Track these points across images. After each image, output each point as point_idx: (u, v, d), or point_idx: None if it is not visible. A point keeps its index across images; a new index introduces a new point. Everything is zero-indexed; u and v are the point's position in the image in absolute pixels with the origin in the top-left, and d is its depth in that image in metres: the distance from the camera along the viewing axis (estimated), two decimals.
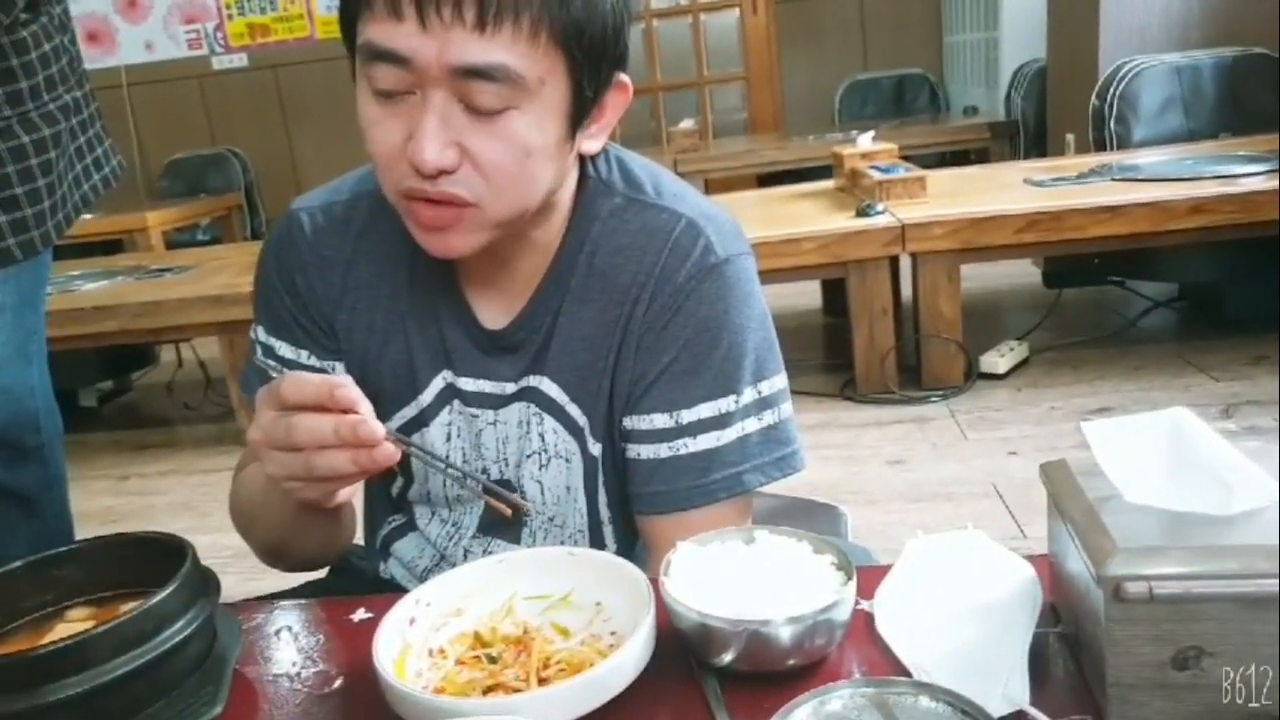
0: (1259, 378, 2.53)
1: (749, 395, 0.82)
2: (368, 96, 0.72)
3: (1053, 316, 3.09)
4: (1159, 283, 3.14)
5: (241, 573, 1.67)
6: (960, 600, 0.65)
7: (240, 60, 5.56)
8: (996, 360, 2.76)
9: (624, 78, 0.76)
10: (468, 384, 0.86)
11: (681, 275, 0.81)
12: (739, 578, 0.64)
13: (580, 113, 0.74)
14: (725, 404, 0.81)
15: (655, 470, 0.82)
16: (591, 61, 0.71)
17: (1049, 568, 0.65)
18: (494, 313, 0.84)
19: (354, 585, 0.99)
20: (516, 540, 0.90)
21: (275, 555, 0.91)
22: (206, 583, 0.65)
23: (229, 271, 3.03)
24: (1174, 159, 2.88)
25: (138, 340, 3.00)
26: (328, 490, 0.72)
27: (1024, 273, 3.49)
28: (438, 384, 0.86)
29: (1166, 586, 0.50)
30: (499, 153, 0.71)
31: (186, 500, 2.57)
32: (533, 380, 0.85)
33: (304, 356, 0.88)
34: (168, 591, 0.57)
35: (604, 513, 0.89)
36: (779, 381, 0.84)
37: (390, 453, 0.67)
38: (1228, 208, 2.45)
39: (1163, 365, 2.72)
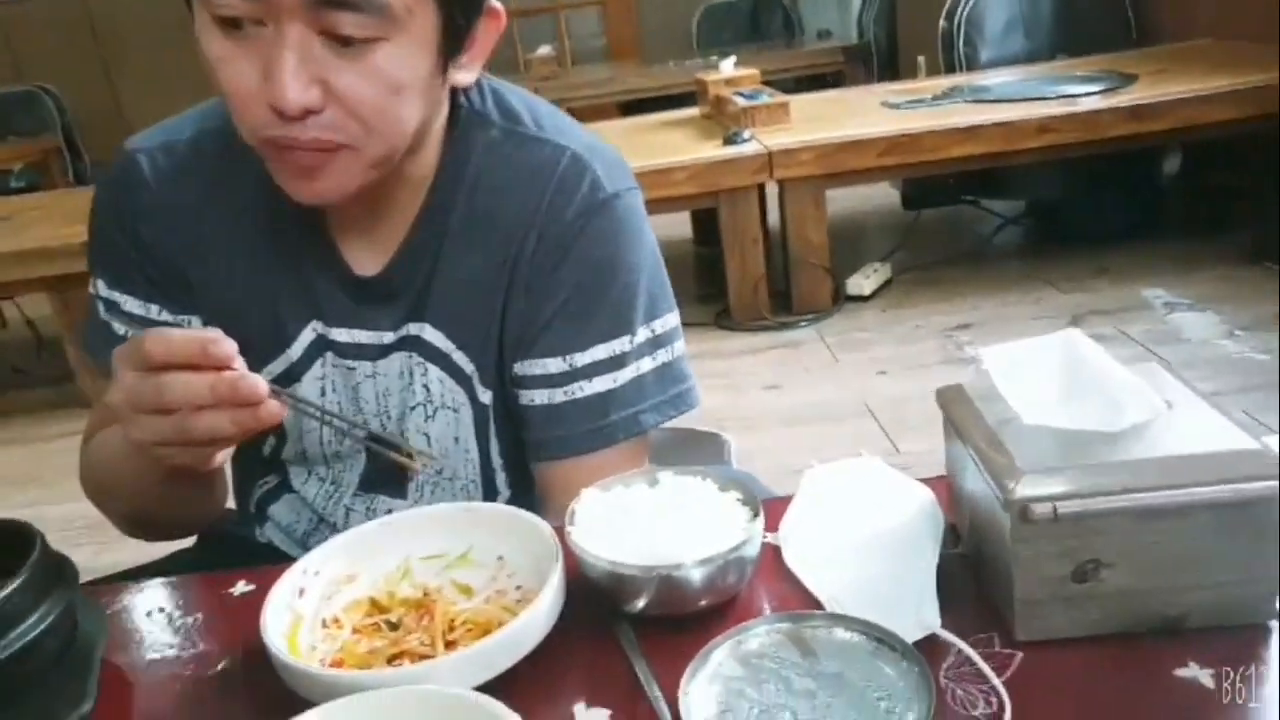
0: (1102, 289, 2.69)
1: (643, 334, 0.80)
2: (210, 28, 0.65)
3: (912, 237, 3.19)
4: (1009, 200, 3.28)
5: (99, 544, 1.57)
6: (865, 528, 0.66)
7: None
8: (862, 283, 2.83)
9: (496, 4, 0.72)
10: (341, 334, 0.81)
11: (570, 213, 0.78)
12: (646, 522, 0.63)
13: (453, 43, 0.69)
14: (620, 345, 0.79)
15: (550, 415, 0.80)
16: None
17: (946, 490, 0.67)
18: (366, 258, 0.80)
19: (227, 554, 0.91)
20: (403, 496, 0.87)
21: (138, 526, 0.85)
22: (61, 569, 0.59)
23: (53, 221, 2.79)
24: (1020, 80, 2.99)
25: None
26: (205, 455, 0.65)
27: (882, 194, 3.58)
28: (307, 336, 0.81)
29: (1069, 506, 0.51)
30: (367, 89, 0.65)
31: (29, 472, 2.39)
32: (413, 328, 0.81)
33: (154, 311, 0.82)
34: (15, 584, 0.52)
35: (495, 460, 0.86)
36: (671, 319, 0.82)
37: (275, 410, 0.62)
38: (1071, 127, 2.57)
39: (1015, 280, 2.86)
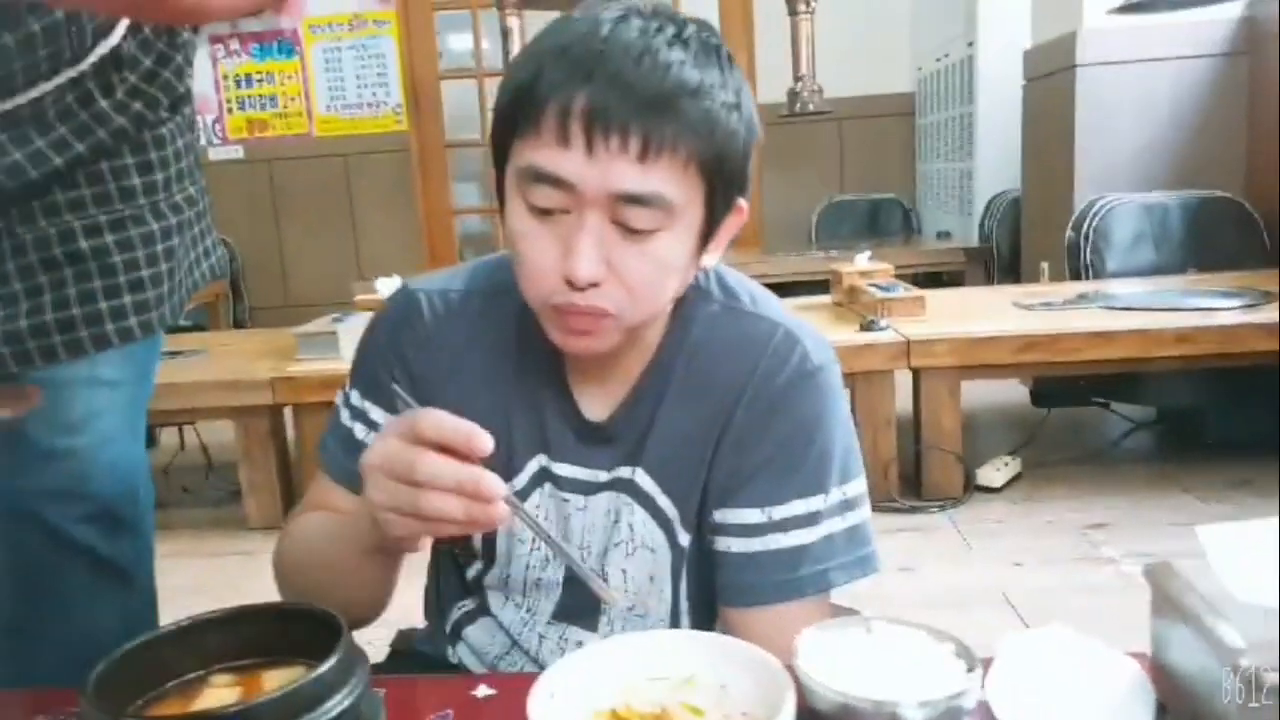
0: (1243, 500, 2.66)
1: (836, 495, 0.86)
2: (522, 211, 0.77)
3: (1041, 434, 3.22)
4: (1139, 405, 3.29)
5: None
6: (1076, 695, 0.68)
7: (237, 152, 5.65)
8: (993, 474, 2.86)
9: (742, 201, 0.82)
10: (563, 469, 0.90)
11: (781, 379, 0.86)
12: (867, 663, 0.66)
13: (709, 232, 0.80)
14: (815, 502, 0.85)
15: (745, 564, 0.85)
16: (725, 187, 0.78)
17: (1150, 667, 0.69)
18: (595, 405, 0.89)
19: (417, 669, 0.99)
20: (594, 629, 0.93)
21: (312, 599, 0.87)
22: (360, 655, 0.66)
23: (241, 356, 3.06)
24: (1152, 291, 3.06)
25: (150, 422, 2.98)
26: (423, 531, 0.72)
27: (1009, 390, 3.64)
28: (532, 467, 0.90)
29: None
30: (644, 270, 0.77)
31: (198, 583, 2.51)
32: (625, 472, 0.89)
33: None
34: (332, 662, 0.58)
35: (683, 602, 0.92)
36: (860, 485, 0.89)
37: (503, 513, 0.68)
38: (1209, 338, 2.62)
39: (1149, 484, 2.85)
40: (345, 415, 0.93)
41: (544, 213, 0.76)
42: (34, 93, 0.95)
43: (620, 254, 0.76)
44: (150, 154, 1.13)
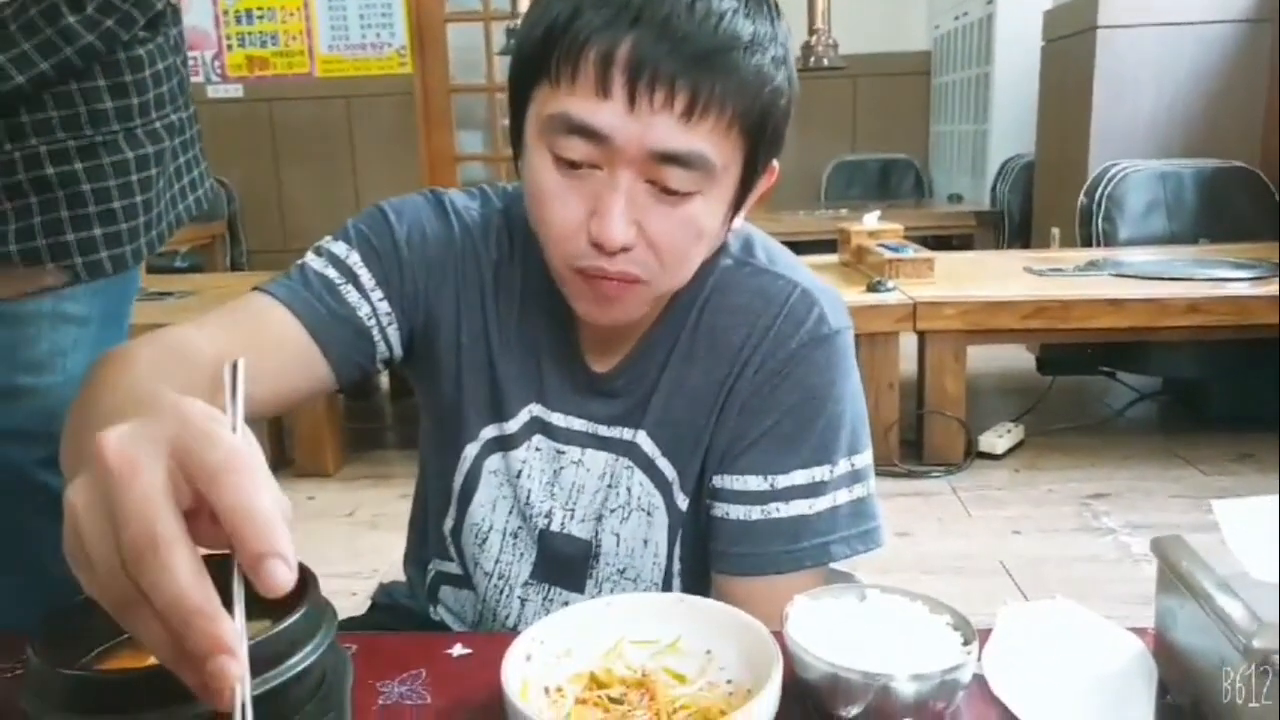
0: (1245, 474, 2.64)
1: (843, 466, 0.82)
2: (547, 164, 0.71)
3: (1045, 401, 3.18)
4: (1146, 375, 3.26)
5: None
6: (1076, 670, 0.66)
7: (236, 91, 5.55)
8: (995, 441, 2.83)
9: (775, 163, 0.78)
10: (558, 419, 0.86)
11: (795, 342, 0.81)
12: (860, 633, 0.64)
13: (743, 195, 0.76)
14: (820, 472, 0.81)
15: (744, 532, 0.82)
16: (766, 148, 0.73)
17: (1154, 640, 0.67)
18: (599, 354, 0.85)
19: (400, 624, 0.97)
20: (580, 589, 0.89)
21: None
22: (327, 608, 0.64)
23: (232, 299, 3.00)
24: (1164, 259, 3.02)
25: None
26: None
27: (1015, 356, 3.60)
28: (524, 415, 0.86)
29: None
30: (676, 235, 0.71)
31: None
32: (628, 434, 0.85)
33: (375, 295, 0.82)
34: (296, 617, 0.54)
35: (676, 565, 0.89)
36: (868, 456, 0.85)
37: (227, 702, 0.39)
38: (1222, 309, 2.58)
39: (1151, 455, 2.82)
40: (319, 264, 0.81)
41: (571, 165, 0.70)
42: None
43: (652, 216, 0.70)
44: (125, 76, 1.07)
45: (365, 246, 0.83)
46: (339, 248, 0.83)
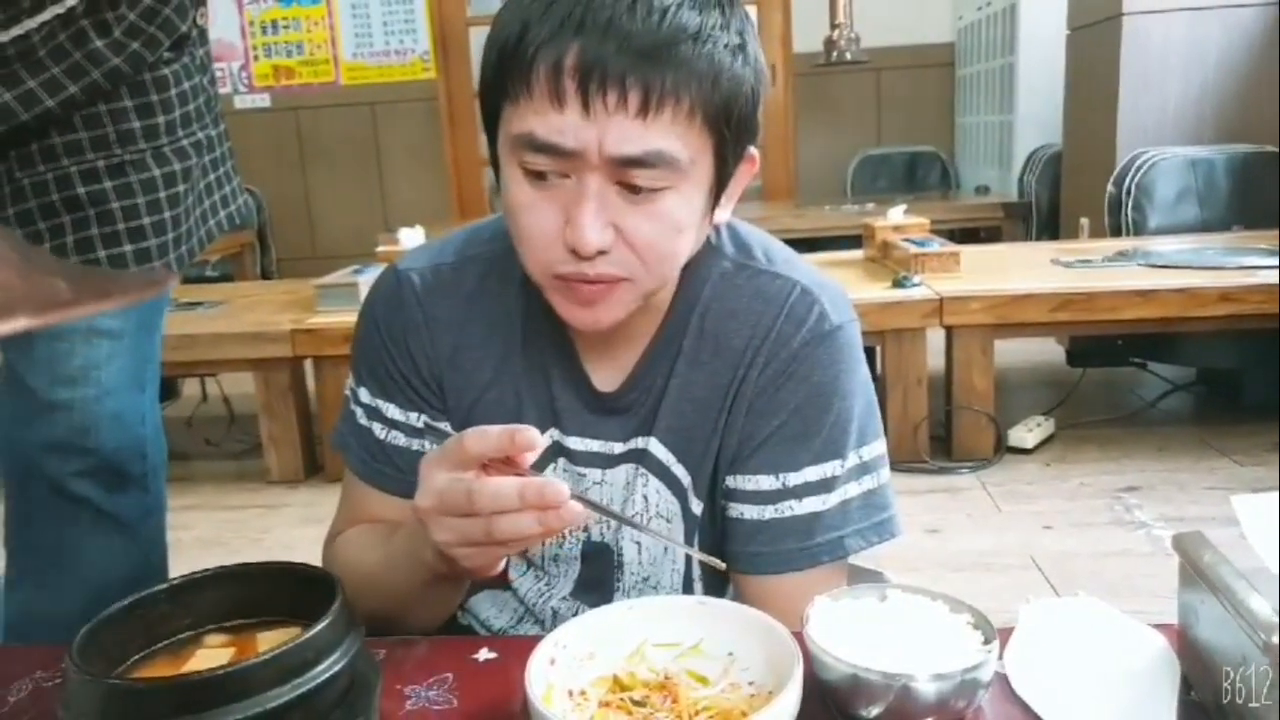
0: None
1: (853, 460, 0.83)
2: (519, 179, 0.72)
3: (1075, 394, 3.15)
4: (1178, 366, 3.21)
5: None
6: (1098, 667, 0.66)
7: (263, 100, 5.62)
8: (1024, 435, 2.81)
9: (753, 150, 0.78)
10: (576, 443, 0.87)
11: (796, 341, 0.82)
12: (880, 633, 0.64)
13: (719, 186, 0.76)
14: (831, 468, 0.82)
15: (758, 531, 0.83)
16: (735, 137, 0.73)
17: (1176, 637, 0.67)
18: (606, 375, 0.86)
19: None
20: (608, 601, 0.88)
21: (380, 624, 0.85)
22: (354, 614, 0.64)
23: (263, 309, 3.05)
24: (1195, 248, 2.97)
25: (169, 374, 3.00)
26: (502, 555, 0.69)
27: (1044, 349, 3.56)
28: (544, 442, 0.85)
29: None
30: (653, 232, 0.72)
31: (215, 536, 2.54)
32: (640, 442, 0.86)
33: (414, 419, 0.87)
34: (326, 623, 0.56)
35: (695, 570, 0.89)
36: (879, 447, 0.85)
37: (578, 511, 0.63)
38: (1255, 297, 2.54)
39: (1185, 447, 2.78)
40: (360, 415, 0.89)
41: (541, 177, 0.71)
42: (17, 30, 0.92)
43: (626, 217, 0.71)
44: (151, 96, 1.09)
45: (373, 383, 0.89)
46: (363, 393, 0.89)
